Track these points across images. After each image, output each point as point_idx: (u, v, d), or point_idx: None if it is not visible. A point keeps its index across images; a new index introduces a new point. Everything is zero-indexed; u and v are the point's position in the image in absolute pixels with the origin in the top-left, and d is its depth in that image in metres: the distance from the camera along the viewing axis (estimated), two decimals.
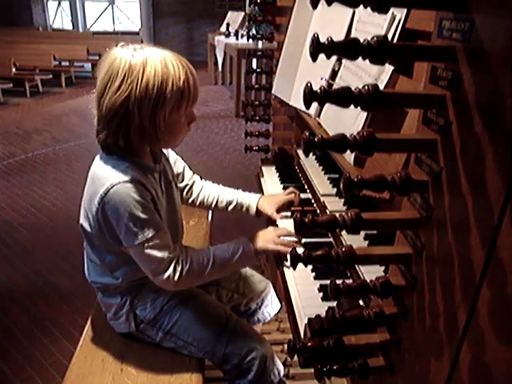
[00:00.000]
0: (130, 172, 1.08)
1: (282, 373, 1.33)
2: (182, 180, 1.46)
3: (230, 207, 1.48)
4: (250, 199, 1.47)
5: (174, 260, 1.12)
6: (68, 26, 12.67)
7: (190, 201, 1.49)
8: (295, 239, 1.29)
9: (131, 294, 1.26)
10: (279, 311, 1.61)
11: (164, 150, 1.32)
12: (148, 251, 1.09)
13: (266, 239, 1.24)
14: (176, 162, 1.42)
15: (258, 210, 1.46)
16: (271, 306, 1.57)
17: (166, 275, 1.12)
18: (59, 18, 12.79)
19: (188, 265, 1.14)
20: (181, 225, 1.34)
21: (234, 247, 1.21)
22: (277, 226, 1.40)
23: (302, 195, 1.56)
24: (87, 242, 1.22)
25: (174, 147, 1.26)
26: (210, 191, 1.50)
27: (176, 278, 1.12)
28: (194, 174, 1.52)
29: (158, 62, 1.03)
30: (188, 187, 1.49)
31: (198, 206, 1.52)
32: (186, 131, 1.17)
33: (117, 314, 1.28)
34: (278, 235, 1.26)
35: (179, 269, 1.13)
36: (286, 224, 1.39)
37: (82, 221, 1.17)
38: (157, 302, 1.26)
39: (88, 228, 1.15)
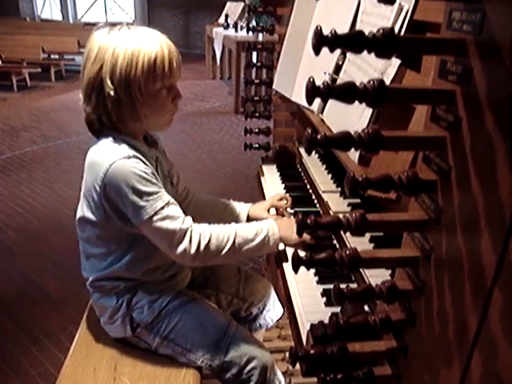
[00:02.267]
0: (125, 149, 1.12)
1: (282, 383, 1.33)
2: (177, 187, 1.47)
3: (221, 217, 1.47)
4: (240, 207, 1.50)
5: (188, 231, 1.14)
6: (57, 16, 12.67)
7: (183, 207, 1.50)
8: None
9: (128, 295, 1.26)
10: (282, 316, 1.61)
11: (161, 149, 1.35)
12: (159, 224, 1.11)
13: (290, 229, 1.23)
14: (173, 166, 1.43)
15: (249, 217, 1.47)
16: (273, 310, 1.57)
17: (181, 247, 1.13)
18: (48, 7, 12.79)
19: (207, 239, 1.15)
20: None
21: (259, 228, 1.22)
22: None
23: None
24: (88, 235, 1.23)
25: (160, 128, 1.25)
26: (201, 199, 1.52)
27: (193, 251, 1.14)
28: (185, 187, 1.53)
29: (131, 34, 1.11)
30: (181, 198, 1.49)
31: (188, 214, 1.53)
32: (172, 109, 1.19)
33: (112, 317, 1.28)
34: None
35: (196, 241, 1.14)
36: None
37: (85, 212, 1.19)
38: (154, 305, 1.27)
39: (93, 217, 1.17)
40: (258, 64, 2.11)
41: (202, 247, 1.14)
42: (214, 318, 1.30)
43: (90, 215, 1.18)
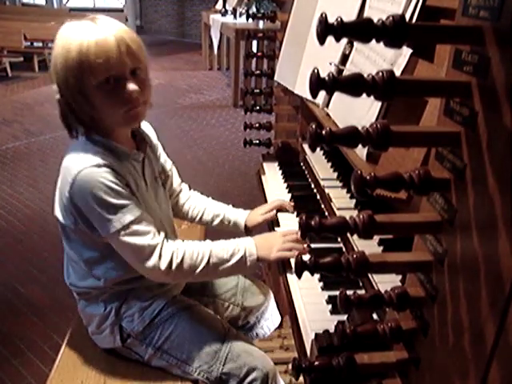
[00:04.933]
0: (97, 156, 1.12)
1: None
2: (170, 185, 1.49)
3: (217, 221, 1.52)
4: (238, 214, 1.51)
5: (157, 247, 1.16)
6: (40, 0, 12.66)
7: (175, 210, 1.52)
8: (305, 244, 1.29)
9: (116, 302, 1.27)
10: (280, 325, 1.61)
11: (154, 147, 1.37)
12: (127, 238, 1.13)
13: (270, 246, 1.25)
14: (166, 163, 1.45)
15: (246, 225, 1.50)
16: (271, 319, 1.58)
17: (150, 264, 1.15)
18: None
19: (180, 257, 1.18)
20: (172, 226, 1.36)
21: (236, 248, 1.23)
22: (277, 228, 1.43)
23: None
24: (64, 237, 1.24)
25: (120, 125, 1.21)
26: (196, 202, 1.54)
27: (163, 267, 1.16)
28: (182, 182, 1.56)
29: (71, 26, 1.13)
30: (175, 194, 1.52)
31: (182, 218, 1.56)
32: (125, 104, 1.13)
33: (100, 326, 1.28)
34: (285, 239, 1.27)
35: (167, 259, 1.16)
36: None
37: (57, 213, 1.20)
38: (145, 313, 1.27)
39: (62, 220, 1.19)
40: (259, 54, 2.12)
41: (173, 266, 1.17)
42: (211, 327, 1.30)
43: (61, 218, 1.19)
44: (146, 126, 1.38)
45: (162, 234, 1.19)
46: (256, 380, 1.24)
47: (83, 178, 1.10)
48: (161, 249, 1.16)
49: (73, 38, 1.08)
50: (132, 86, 1.12)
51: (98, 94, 1.11)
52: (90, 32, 1.08)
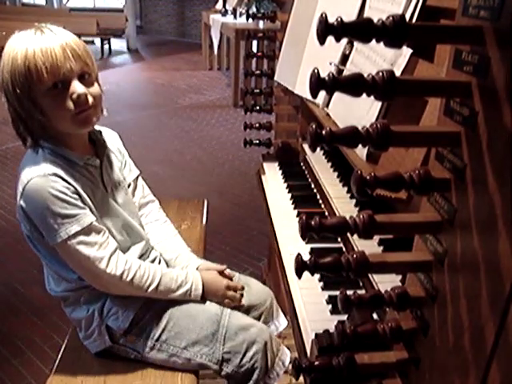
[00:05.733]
0: (45, 165, 1.15)
1: (287, 362, 1.37)
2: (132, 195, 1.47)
3: (168, 257, 1.46)
4: (191, 261, 1.46)
5: (104, 259, 1.18)
6: (40, 0, 12.65)
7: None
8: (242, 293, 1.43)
9: (98, 303, 1.29)
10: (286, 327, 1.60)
11: (118, 154, 1.38)
12: (73, 249, 1.15)
13: (215, 290, 1.36)
14: (131, 172, 1.45)
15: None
16: (276, 321, 1.55)
17: (95, 273, 1.19)
18: None
19: (131, 276, 1.22)
20: (138, 230, 1.37)
21: (184, 280, 1.31)
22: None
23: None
24: (30, 243, 1.26)
25: (70, 130, 1.20)
26: (155, 232, 1.48)
27: (113, 280, 1.20)
28: (152, 198, 1.53)
29: (21, 36, 1.15)
30: (143, 207, 1.50)
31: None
32: (71, 109, 1.14)
33: (88, 329, 1.30)
34: (229, 294, 1.38)
35: (118, 272, 1.20)
36: (289, 230, 1.40)
37: (18, 216, 1.22)
38: (128, 308, 1.28)
39: (24, 229, 1.22)
40: (259, 54, 2.12)
41: (124, 279, 1.21)
42: (205, 310, 1.33)
43: (22, 226, 1.22)
44: (109, 134, 1.40)
45: (112, 246, 1.21)
46: (257, 353, 1.28)
47: (31, 188, 1.13)
48: (108, 260, 1.19)
49: (18, 47, 1.11)
50: (78, 87, 1.13)
51: (46, 99, 1.12)
52: (35, 40, 1.11)
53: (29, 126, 1.16)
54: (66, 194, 1.13)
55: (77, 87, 1.13)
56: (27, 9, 11.21)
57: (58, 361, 1.31)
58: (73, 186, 1.16)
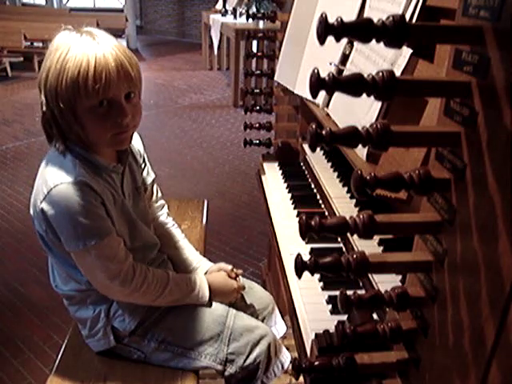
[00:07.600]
0: (75, 171, 1.11)
1: (286, 364, 1.38)
2: (148, 198, 1.48)
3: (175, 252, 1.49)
4: (201, 263, 1.50)
5: (120, 275, 1.18)
6: (41, 0, 12.65)
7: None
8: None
9: (105, 304, 1.28)
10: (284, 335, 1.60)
11: (139, 158, 1.37)
12: (89, 260, 1.14)
13: (224, 293, 1.40)
14: (148, 175, 1.44)
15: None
16: (275, 327, 1.55)
17: (108, 286, 1.19)
18: None
19: (140, 292, 1.22)
20: (150, 237, 1.37)
21: (191, 289, 1.33)
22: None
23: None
24: (41, 240, 1.25)
25: (105, 147, 1.20)
26: (167, 232, 1.51)
27: (120, 293, 1.22)
28: (163, 202, 1.55)
29: (72, 40, 1.08)
30: (151, 209, 1.50)
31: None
32: (113, 128, 1.13)
33: (93, 329, 1.29)
34: (237, 292, 1.44)
35: (128, 290, 1.20)
36: (289, 230, 1.40)
37: (31, 214, 1.21)
38: (136, 310, 1.28)
39: (38, 227, 1.19)
40: (259, 54, 2.12)
41: (134, 294, 1.22)
42: (211, 312, 1.33)
43: (36, 225, 1.20)
44: (134, 137, 1.36)
45: (128, 260, 1.21)
46: (260, 355, 1.29)
47: (59, 194, 1.09)
48: (122, 276, 1.18)
49: (70, 56, 1.05)
50: (125, 112, 1.11)
51: (89, 115, 1.09)
52: (89, 52, 1.05)
53: (63, 132, 1.13)
54: (92, 204, 1.11)
55: (124, 112, 1.10)
56: (27, 9, 11.20)
57: (58, 361, 1.31)
58: (100, 197, 1.13)
